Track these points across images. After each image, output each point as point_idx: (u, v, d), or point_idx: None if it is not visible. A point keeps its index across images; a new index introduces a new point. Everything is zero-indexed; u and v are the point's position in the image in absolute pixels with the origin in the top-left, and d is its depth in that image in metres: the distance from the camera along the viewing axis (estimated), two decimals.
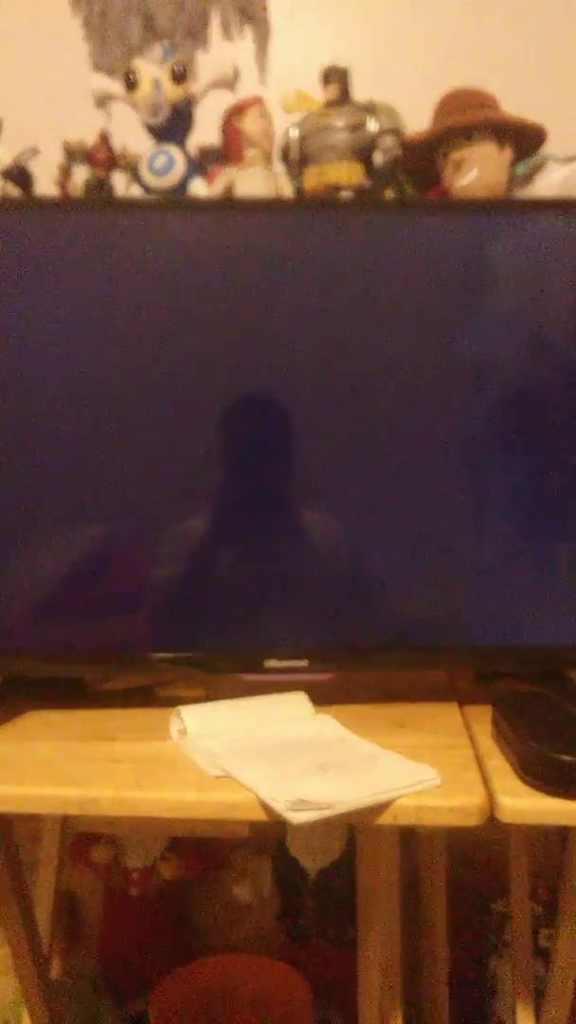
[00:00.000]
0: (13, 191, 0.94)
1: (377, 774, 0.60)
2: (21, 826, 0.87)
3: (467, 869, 1.12)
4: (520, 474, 0.74)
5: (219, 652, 0.76)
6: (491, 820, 0.58)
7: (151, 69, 0.91)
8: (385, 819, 0.57)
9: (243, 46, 1.21)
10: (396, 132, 0.97)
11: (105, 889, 1.25)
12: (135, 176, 0.94)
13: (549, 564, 0.75)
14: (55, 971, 1.18)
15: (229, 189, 0.95)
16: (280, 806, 0.55)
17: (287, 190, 0.97)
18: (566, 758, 0.58)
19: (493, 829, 0.60)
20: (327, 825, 0.56)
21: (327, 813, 0.55)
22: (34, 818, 1.04)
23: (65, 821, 1.06)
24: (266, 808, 0.57)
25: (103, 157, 0.97)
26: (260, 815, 0.57)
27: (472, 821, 0.57)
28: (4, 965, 1.06)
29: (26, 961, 0.91)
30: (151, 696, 0.79)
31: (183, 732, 0.69)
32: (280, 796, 0.56)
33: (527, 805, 0.58)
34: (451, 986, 1.01)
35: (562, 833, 0.88)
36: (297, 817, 0.54)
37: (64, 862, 1.10)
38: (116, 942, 1.24)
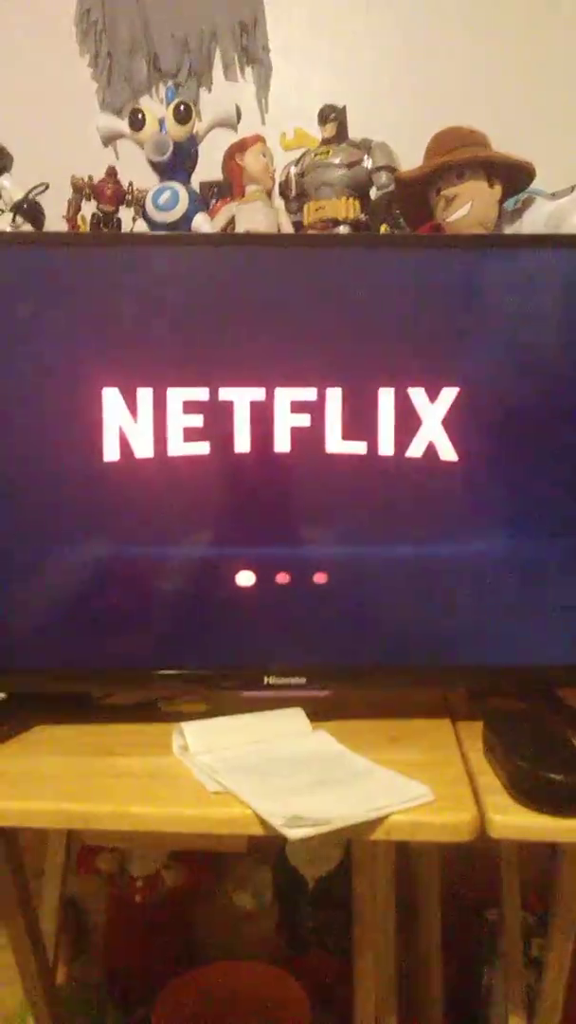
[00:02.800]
0: (24, 225, 0.97)
1: (372, 790, 0.61)
2: (27, 835, 0.89)
3: (460, 880, 1.13)
4: (511, 496, 0.76)
5: (221, 669, 0.78)
6: (482, 836, 0.59)
7: (157, 109, 0.94)
8: (379, 835, 0.58)
9: (245, 86, 1.25)
10: (390, 169, 1.00)
11: (110, 897, 1.27)
12: (141, 211, 0.97)
13: (539, 586, 0.76)
14: (60, 978, 1.20)
15: (231, 223, 0.98)
16: (277, 822, 0.56)
17: (287, 224, 1.00)
18: (554, 776, 0.59)
19: (486, 841, 0.60)
20: (324, 838, 0.57)
21: (323, 829, 0.56)
22: (40, 828, 1.06)
23: (71, 831, 1.08)
24: (264, 823, 0.58)
25: (110, 193, 1.00)
26: (258, 830, 0.59)
27: (463, 837, 0.58)
28: (10, 973, 1.08)
29: (31, 968, 0.93)
30: (155, 711, 0.80)
31: (184, 747, 0.70)
32: (277, 812, 0.57)
33: (517, 822, 0.59)
34: (445, 995, 1.02)
35: (552, 845, 0.90)
36: (294, 833, 0.56)
37: (69, 870, 1.12)
38: (120, 949, 1.26)
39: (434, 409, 0.75)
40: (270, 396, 0.75)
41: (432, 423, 0.75)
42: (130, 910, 1.24)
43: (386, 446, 0.75)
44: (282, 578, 0.76)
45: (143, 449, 0.75)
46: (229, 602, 0.77)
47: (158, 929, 1.25)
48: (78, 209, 1.03)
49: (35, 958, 0.92)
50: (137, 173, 1.01)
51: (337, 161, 1.01)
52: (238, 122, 0.98)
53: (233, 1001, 1.16)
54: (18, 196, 0.99)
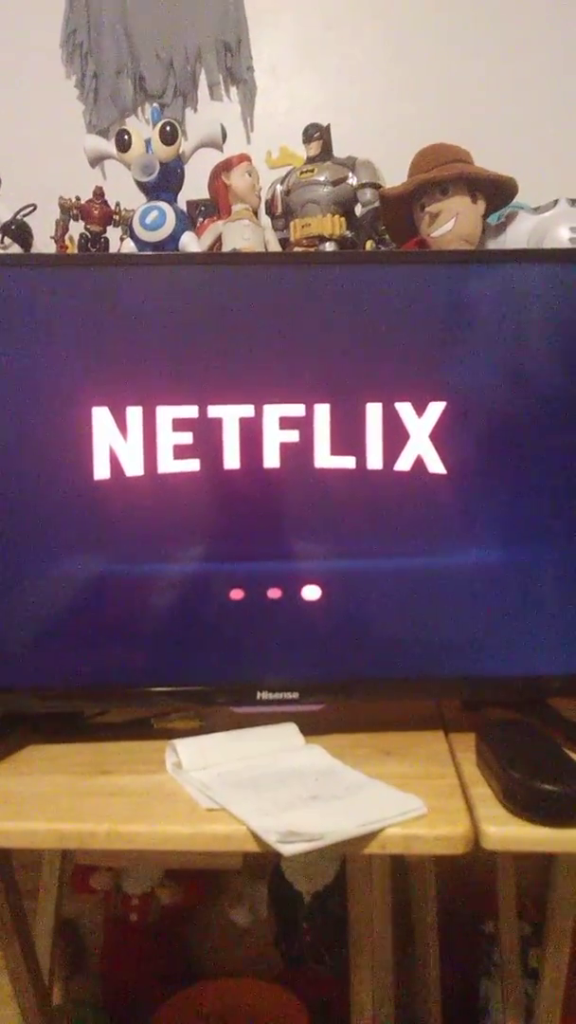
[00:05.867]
0: (12, 246, 0.98)
1: (366, 804, 0.61)
2: (21, 854, 0.88)
3: (457, 891, 1.13)
4: (501, 507, 0.76)
5: (213, 685, 0.77)
6: (477, 848, 0.59)
7: (143, 130, 0.95)
8: (374, 848, 0.58)
9: (230, 105, 1.27)
10: (375, 186, 1.01)
11: (105, 915, 1.27)
12: (128, 231, 0.97)
13: (531, 596, 0.77)
14: (57, 998, 1.19)
15: (218, 242, 0.99)
16: (272, 838, 0.56)
17: (273, 242, 1.01)
18: (547, 787, 0.59)
19: (481, 852, 0.60)
20: (320, 852, 0.57)
21: (317, 844, 0.56)
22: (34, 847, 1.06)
23: (65, 850, 1.07)
24: (258, 840, 0.58)
25: (97, 213, 1.01)
26: (252, 847, 0.58)
27: (458, 849, 0.58)
28: (5, 993, 1.07)
29: (27, 988, 0.92)
30: (147, 728, 0.80)
31: (178, 764, 0.70)
32: (272, 828, 0.57)
33: (511, 833, 0.58)
34: (443, 1007, 1.02)
35: (547, 856, 0.90)
36: (288, 849, 0.55)
37: (64, 889, 1.11)
38: (116, 968, 1.25)
39: (421, 423, 0.76)
40: (259, 413, 0.75)
41: (420, 437, 0.76)
42: (126, 928, 1.24)
43: (374, 460, 0.76)
44: (273, 593, 0.77)
45: (133, 467, 0.75)
46: (221, 618, 0.77)
47: (154, 947, 1.25)
48: (66, 230, 1.04)
49: (31, 978, 0.92)
50: (124, 193, 1.02)
51: (322, 179, 1.02)
52: (223, 142, 0.99)
53: (230, 1018, 1.15)
54: (6, 217, 0.99)
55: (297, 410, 0.76)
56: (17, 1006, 0.95)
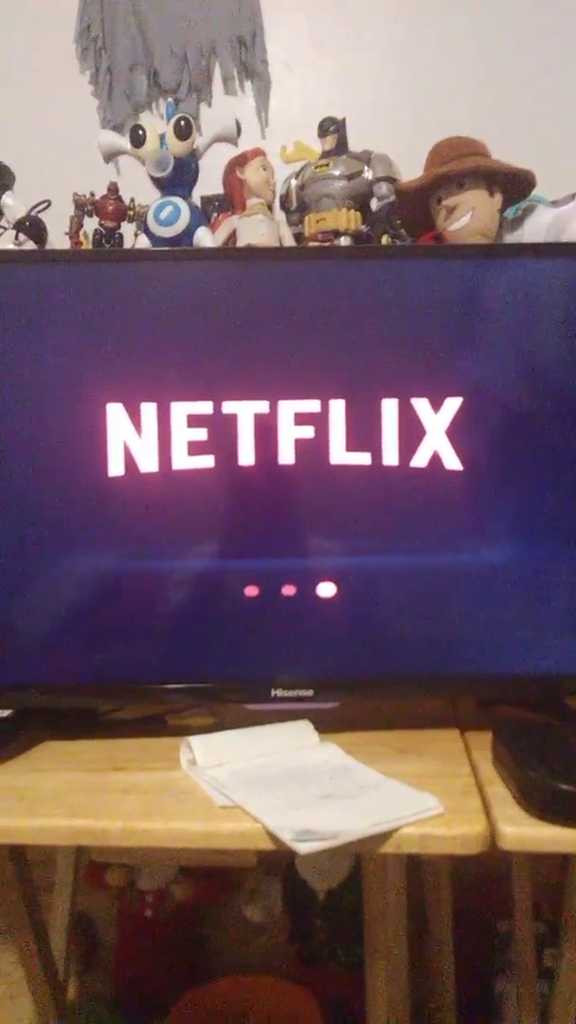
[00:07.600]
0: (27, 242, 0.98)
1: (381, 803, 0.61)
2: (36, 850, 0.89)
3: (472, 890, 1.12)
4: (518, 504, 0.76)
5: (228, 682, 0.77)
6: (492, 848, 0.58)
7: (157, 125, 0.95)
8: (389, 848, 0.58)
9: (244, 100, 1.26)
10: (391, 179, 1.00)
11: (120, 912, 1.27)
12: (142, 226, 0.97)
13: (548, 594, 0.76)
14: (72, 993, 1.19)
15: (232, 237, 0.99)
16: (287, 836, 0.56)
17: (288, 237, 1.01)
18: (564, 787, 0.58)
19: (497, 851, 0.59)
20: (334, 850, 0.57)
21: (332, 843, 0.56)
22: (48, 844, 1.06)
23: (79, 846, 1.08)
24: (273, 838, 0.58)
25: (112, 209, 1.01)
26: (267, 845, 0.58)
27: (474, 849, 0.58)
28: (20, 988, 1.07)
29: (41, 984, 0.93)
30: (162, 725, 0.80)
31: (192, 761, 0.70)
32: (287, 827, 0.57)
33: (528, 833, 0.58)
34: (458, 1006, 1.01)
35: (563, 856, 0.89)
36: (303, 848, 0.55)
37: (79, 885, 1.12)
38: (131, 964, 1.26)
39: (438, 419, 0.75)
40: (274, 408, 0.75)
41: (436, 433, 0.75)
42: (140, 925, 1.24)
43: (390, 457, 0.76)
44: (288, 590, 0.76)
45: (148, 463, 0.76)
46: (235, 614, 0.77)
47: (169, 944, 1.25)
48: (80, 226, 1.04)
49: (45, 973, 0.93)
50: (138, 189, 1.02)
51: (337, 173, 1.01)
52: (238, 136, 0.99)
53: (245, 1015, 1.15)
54: (21, 214, 0.99)
55: (312, 406, 0.75)
56: (32, 1001, 0.95)
